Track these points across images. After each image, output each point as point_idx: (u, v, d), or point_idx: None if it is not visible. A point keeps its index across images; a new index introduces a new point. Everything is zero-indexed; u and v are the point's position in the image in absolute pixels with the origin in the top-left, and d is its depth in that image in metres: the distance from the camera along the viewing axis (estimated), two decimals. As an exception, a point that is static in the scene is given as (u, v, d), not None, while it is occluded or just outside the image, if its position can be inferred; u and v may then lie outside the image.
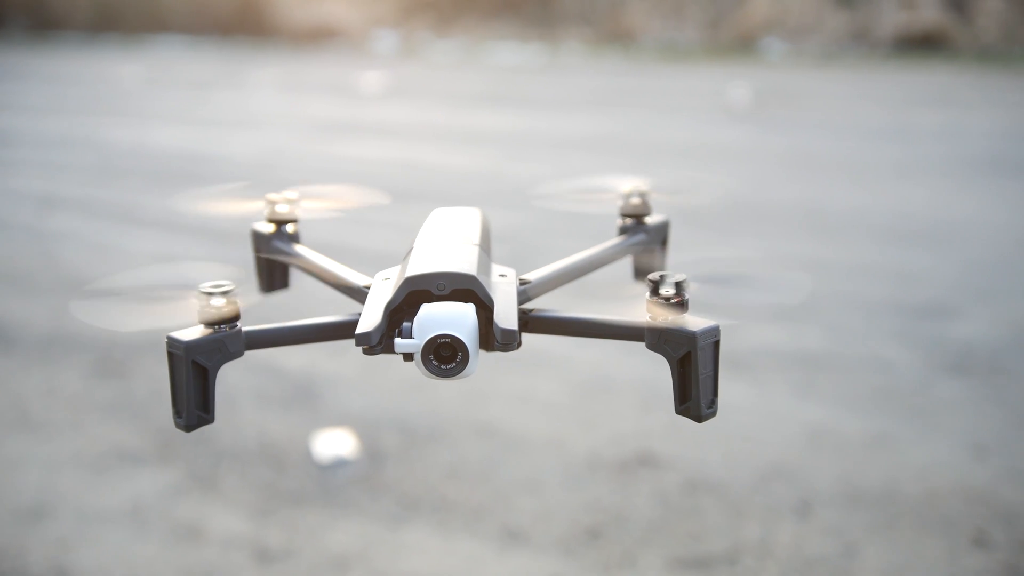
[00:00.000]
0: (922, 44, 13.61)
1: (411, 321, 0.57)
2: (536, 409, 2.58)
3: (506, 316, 0.58)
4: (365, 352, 0.57)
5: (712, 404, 0.60)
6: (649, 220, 0.79)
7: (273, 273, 0.80)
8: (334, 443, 2.36)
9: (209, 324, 0.59)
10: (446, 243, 0.65)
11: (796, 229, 4.50)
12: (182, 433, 2.42)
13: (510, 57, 14.30)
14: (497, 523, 2.05)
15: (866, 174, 5.90)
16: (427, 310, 0.57)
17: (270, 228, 0.78)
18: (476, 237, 0.67)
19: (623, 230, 0.79)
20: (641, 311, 0.60)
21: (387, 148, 6.88)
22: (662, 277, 0.59)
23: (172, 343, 0.58)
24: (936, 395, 2.67)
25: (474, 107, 9.17)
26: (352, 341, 0.60)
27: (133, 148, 7.06)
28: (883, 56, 13.34)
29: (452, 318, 0.56)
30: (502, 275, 0.64)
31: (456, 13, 16.26)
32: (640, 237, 0.78)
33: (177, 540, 1.99)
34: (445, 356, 0.56)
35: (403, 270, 0.62)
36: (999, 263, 3.94)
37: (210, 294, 0.59)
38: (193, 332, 0.58)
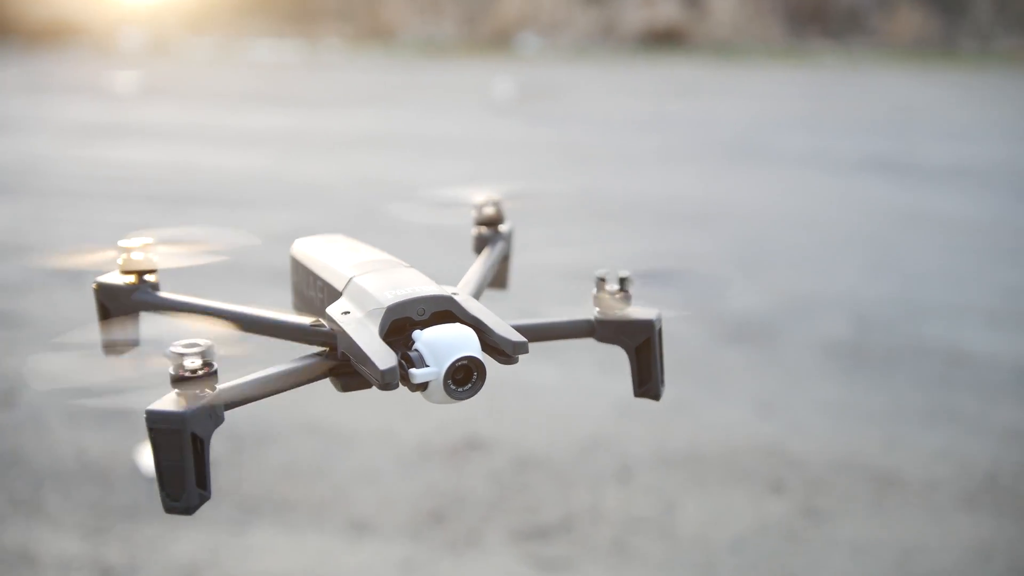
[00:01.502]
0: (663, 39, 14.50)
1: (412, 350, 0.55)
2: (358, 404, 2.63)
3: (506, 329, 0.58)
4: (383, 389, 0.54)
5: (663, 381, 0.66)
6: (502, 228, 0.81)
7: (124, 331, 0.69)
8: (160, 455, 2.32)
9: (187, 390, 0.52)
10: (384, 268, 0.63)
11: (576, 216, 4.75)
12: (-11, 459, 2.29)
13: (268, 54, 14.01)
14: (341, 516, 2.10)
15: (631, 162, 6.28)
16: (434, 335, 0.55)
17: (128, 279, 0.67)
18: (397, 259, 0.66)
19: (484, 239, 0.80)
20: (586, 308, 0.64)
21: (154, 150, 6.62)
22: (607, 274, 0.64)
23: (164, 418, 0.50)
24: (721, 363, 2.95)
25: (239, 106, 8.95)
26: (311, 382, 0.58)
27: None
28: (630, 51, 14.12)
29: (463, 340, 0.55)
30: (454, 292, 0.62)
31: (207, 8, 15.71)
32: (501, 245, 0.80)
33: (8, 568, 1.90)
34: (460, 379, 0.55)
35: (363, 301, 0.59)
36: (760, 239, 4.35)
37: (183, 355, 0.51)
38: (173, 401, 0.51)
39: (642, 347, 0.64)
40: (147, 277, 0.68)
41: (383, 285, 0.60)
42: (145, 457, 2.30)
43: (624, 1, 14.73)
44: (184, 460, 0.51)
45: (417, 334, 0.56)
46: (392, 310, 0.57)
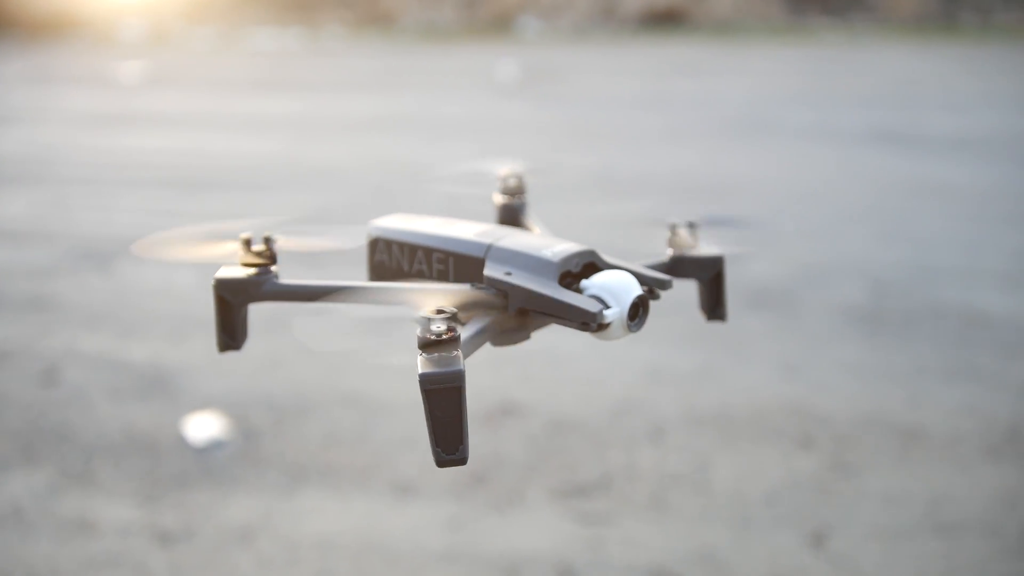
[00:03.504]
0: (664, 20, 14.52)
1: (589, 296, 0.62)
2: (392, 376, 2.69)
3: (648, 271, 0.66)
4: (586, 330, 0.60)
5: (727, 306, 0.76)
6: (526, 198, 0.86)
7: (238, 326, 0.68)
8: (205, 426, 2.39)
9: (434, 352, 0.55)
10: (510, 233, 0.69)
11: (591, 193, 4.81)
12: (39, 435, 2.37)
13: (270, 42, 14.03)
14: (385, 480, 2.17)
15: (639, 140, 6.33)
16: (606, 280, 0.62)
17: (250, 272, 0.67)
18: (499, 226, 0.73)
19: (513, 208, 0.84)
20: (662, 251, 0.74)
21: (165, 137, 6.67)
22: (679, 221, 0.74)
23: (441, 378, 0.53)
24: (745, 328, 3.01)
25: (245, 93, 8.99)
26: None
27: None
28: (631, 32, 14.13)
29: (631, 282, 0.62)
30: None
31: (206, -2, 15.72)
32: (526, 211, 0.86)
33: (70, 535, 1.97)
34: (633, 314, 0.62)
35: (521, 262, 0.64)
36: (770, 211, 4.41)
37: (431, 320, 0.56)
38: (429, 363, 0.54)
39: (713, 279, 0.74)
40: (271, 268, 0.67)
41: (531, 246, 0.66)
42: (191, 429, 2.37)
43: (623, -18, 14.74)
44: (461, 415, 0.54)
45: (586, 283, 0.63)
46: (560, 265, 0.63)
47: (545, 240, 0.67)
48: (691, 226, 0.74)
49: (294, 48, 13.58)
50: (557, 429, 2.37)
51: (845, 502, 2.06)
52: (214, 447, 2.31)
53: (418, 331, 0.55)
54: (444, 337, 0.55)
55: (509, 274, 0.64)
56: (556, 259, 0.64)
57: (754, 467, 2.19)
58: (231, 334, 0.67)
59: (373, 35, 14.62)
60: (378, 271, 0.73)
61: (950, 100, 7.75)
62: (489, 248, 0.67)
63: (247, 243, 0.67)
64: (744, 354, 2.81)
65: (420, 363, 0.54)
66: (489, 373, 2.71)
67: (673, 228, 0.74)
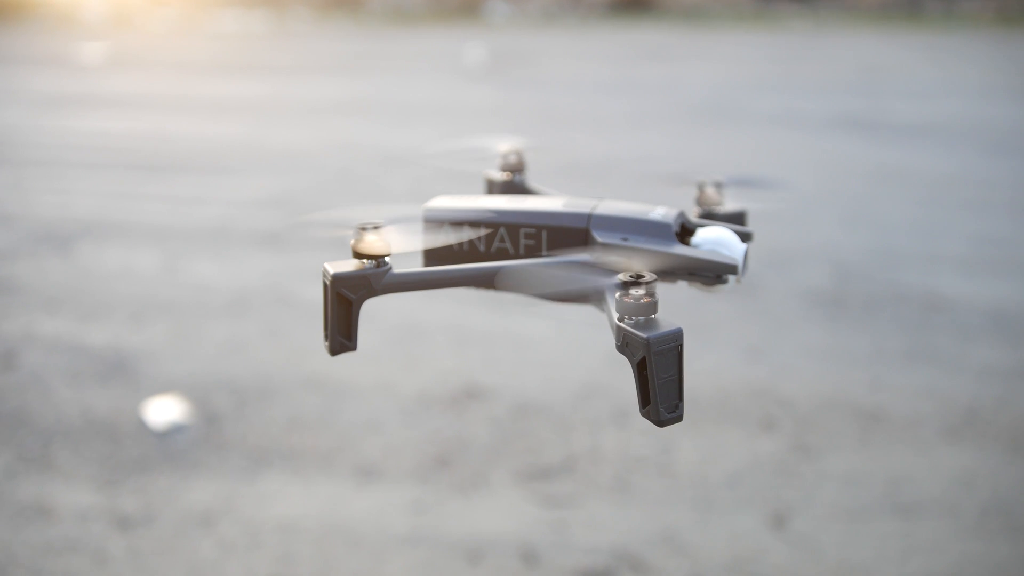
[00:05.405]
0: (632, 6, 14.51)
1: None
2: (356, 358, 2.68)
3: (731, 225, 0.71)
4: (719, 284, 0.65)
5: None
6: (526, 175, 0.87)
7: (354, 324, 0.63)
8: (166, 410, 2.36)
9: (635, 315, 0.57)
10: (602, 200, 0.70)
11: (560, 177, 4.79)
12: (-5, 418, 2.33)
13: (235, 24, 13.87)
14: (349, 463, 2.16)
15: (607, 125, 6.33)
16: (717, 235, 0.66)
17: (364, 263, 0.63)
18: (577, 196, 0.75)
19: (514, 185, 0.84)
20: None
21: (128, 120, 6.57)
22: (705, 180, 0.78)
23: (668, 338, 0.56)
24: (709, 312, 3.02)
25: (210, 76, 8.88)
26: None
27: None
28: (599, 17, 14.11)
29: (734, 235, 0.66)
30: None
31: (170, -21, 15.48)
32: (527, 188, 0.86)
33: (27, 520, 1.95)
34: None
35: (636, 227, 0.66)
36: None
37: (631, 283, 0.58)
38: (645, 326, 0.57)
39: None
40: (387, 259, 0.63)
41: (634, 211, 0.68)
42: (152, 413, 2.35)
43: (591, -33, 14.70)
44: (681, 372, 0.57)
45: (698, 240, 0.67)
46: (674, 225, 0.67)
47: (637, 205, 0.69)
48: (717, 184, 0.78)
49: (259, 31, 13.43)
50: (521, 412, 2.37)
51: (806, 483, 2.07)
52: (175, 431, 2.29)
53: (618, 295, 0.57)
54: (643, 301, 0.57)
55: (626, 239, 0.66)
56: (670, 219, 0.66)
57: (717, 449, 2.21)
58: (347, 334, 0.63)
59: (340, 18, 14.50)
60: (440, 256, 0.70)
61: (914, 87, 7.82)
62: (590, 217, 0.67)
63: (362, 231, 0.62)
64: (708, 337, 2.82)
65: (633, 327, 0.56)
66: (454, 356, 2.70)
67: (701, 186, 0.78)
